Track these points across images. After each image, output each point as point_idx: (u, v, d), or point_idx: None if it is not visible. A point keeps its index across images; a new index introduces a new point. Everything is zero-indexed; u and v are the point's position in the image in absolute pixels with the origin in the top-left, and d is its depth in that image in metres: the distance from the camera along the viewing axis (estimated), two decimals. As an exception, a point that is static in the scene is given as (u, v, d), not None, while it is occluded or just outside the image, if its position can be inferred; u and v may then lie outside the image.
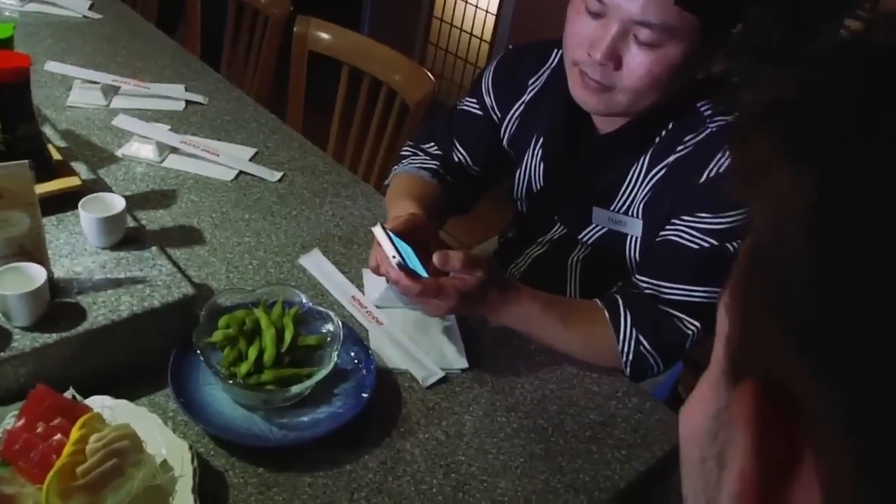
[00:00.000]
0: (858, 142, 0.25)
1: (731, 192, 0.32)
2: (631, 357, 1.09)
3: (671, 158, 1.11)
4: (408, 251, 1.00)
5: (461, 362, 1.07)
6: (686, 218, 1.07)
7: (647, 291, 1.10)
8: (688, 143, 1.10)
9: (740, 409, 0.30)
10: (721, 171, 1.05)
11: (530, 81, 1.26)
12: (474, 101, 1.31)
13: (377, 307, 1.13)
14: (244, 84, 1.98)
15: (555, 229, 1.30)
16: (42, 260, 0.88)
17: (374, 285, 1.16)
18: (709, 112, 1.09)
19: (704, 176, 1.06)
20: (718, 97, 1.10)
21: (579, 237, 1.25)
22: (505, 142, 1.30)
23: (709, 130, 1.08)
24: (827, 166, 0.25)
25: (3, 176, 0.81)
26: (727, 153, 1.04)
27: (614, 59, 1.01)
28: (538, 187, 1.28)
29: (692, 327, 1.07)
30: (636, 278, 1.13)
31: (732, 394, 0.31)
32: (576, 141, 1.21)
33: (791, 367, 0.27)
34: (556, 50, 1.22)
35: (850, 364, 0.25)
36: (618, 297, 1.11)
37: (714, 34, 1.00)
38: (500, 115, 1.29)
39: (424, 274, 0.99)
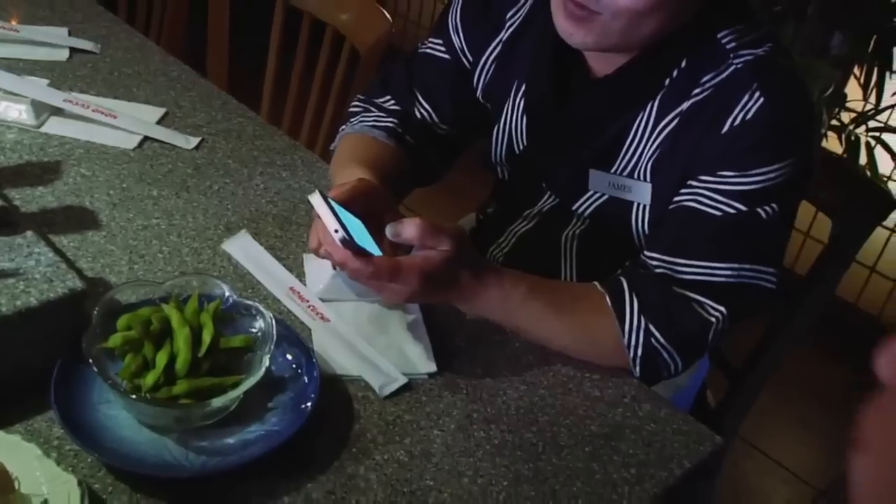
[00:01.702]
0: None
1: None
2: (640, 352, 1.11)
3: (686, 104, 1.13)
4: (356, 225, 1.01)
5: (428, 366, 1.10)
6: (706, 178, 1.09)
7: (658, 271, 1.13)
8: (706, 85, 1.11)
9: None
10: (749, 117, 1.07)
11: (508, 15, 1.29)
12: (439, 42, 1.34)
13: (322, 300, 1.16)
14: (149, 30, 2.03)
15: (544, 200, 1.34)
16: None
17: (318, 273, 1.18)
18: (732, 44, 1.10)
19: (727, 125, 1.08)
20: (746, 25, 1.12)
21: (574, 208, 1.28)
22: (479, 92, 1.33)
23: (733, 67, 1.09)
24: None
25: None
26: (756, 96, 1.07)
27: None
28: (521, 147, 1.31)
29: (716, 313, 1.09)
30: (645, 255, 1.15)
31: None
32: (565, 86, 1.23)
33: None
34: None
35: None
36: (622, 279, 1.13)
37: None
38: (471, 60, 1.32)
39: (377, 252, 1.00)
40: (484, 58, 1.31)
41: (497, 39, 1.30)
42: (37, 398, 0.92)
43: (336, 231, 0.97)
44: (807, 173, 1.13)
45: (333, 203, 1.00)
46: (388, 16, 1.71)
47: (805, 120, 1.13)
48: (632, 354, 1.11)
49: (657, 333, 1.10)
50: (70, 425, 0.89)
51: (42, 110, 1.38)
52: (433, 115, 1.33)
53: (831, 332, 2.34)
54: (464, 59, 1.32)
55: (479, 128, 1.36)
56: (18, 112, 1.35)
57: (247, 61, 1.93)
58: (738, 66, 1.09)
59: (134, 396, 0.90)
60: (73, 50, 1.59)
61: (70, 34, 1.62)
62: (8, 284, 0.94)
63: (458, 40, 1.31)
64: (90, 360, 0.90)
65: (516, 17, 1.29)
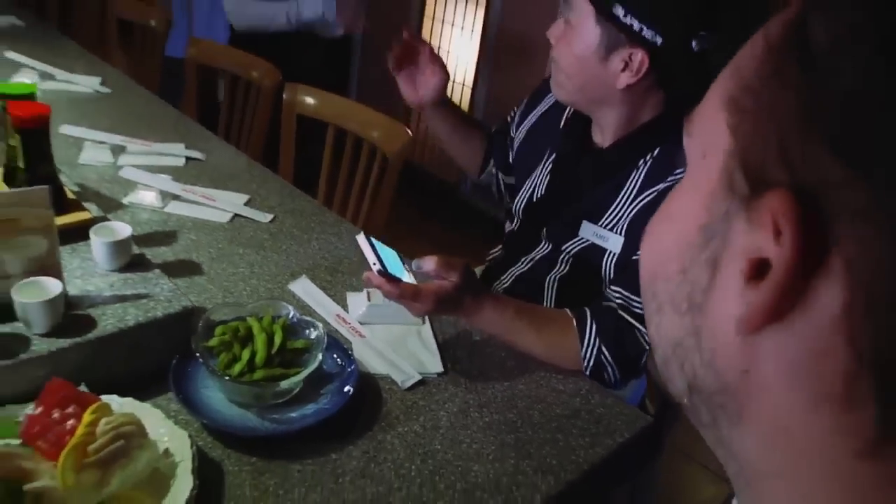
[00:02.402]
0: None
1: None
2: (591, 363, 1.14)
3: (662, 186, 1.15)
4: (390, 256, 1.08)
5: (437, 367, 1.13)
6: None
7: (617, 301, 1.15)
8: (678, 175, 1.14)
9: (772, 211, 0.31)
10: None
11: (547, 95, 1.38)
12: (511, 114, 1.48)
13: (360, 323, 1.20)
14: (239, 145, 2.09)
15: (539, 247, 1.35)
16: (58, 277, 0.97)
17: (358, 304, 1.24)
18: None
19: None
20: None
21: (562, 248, 1.29)
22: (513, 153, 1.44)
23: None
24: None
25: (25, 199, 0.91)
26: None
27: (553, 37, 1.19)
28: (538, 197, 1.35)
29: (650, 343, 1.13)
30: (610, 288, 1.18)
31: (752, 201, 0.32)
32: (578, 153, 1.30)
33: (829, 168, 0.30)
34: None
35: (887, 154, 0.28)
36: (587, 309, 1.16)
37: (611, 36, 1.10)
38: (515, 124, 1.43)
39: (405, 278, 1.06)
40: (521, 126, 1.41)
41: (534, 113, 1.39)
42: (161, 382, 0.98)
43: (374, 264, 1.04)
44: None
45: (374, 241, 1.08)
46: (408, 131, 1.77)
47: None
48: (585, 364, 1.14)
49: (606, 352, 1.13)
50: (183, 400, 0.96)
51: (166, 197, 1.45)
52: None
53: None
54: (510, 125, 1.46)
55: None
56: (151, 198, 1.43)
57: (307, 162, 1.99)
58: None
59: (227, 378, 0.96)
60: (187, 158, 1.66)
61: (186, 147, 1.69)
62: (142, 303, 1.02)
63: (514, 112, 1.46)
64: (197, 355, 0.97)
65: (550, 98, 1.36)
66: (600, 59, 1.12)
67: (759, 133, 0.33)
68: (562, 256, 1.30)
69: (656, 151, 1.19)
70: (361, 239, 1.09)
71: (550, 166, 1.34)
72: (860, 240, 0.29)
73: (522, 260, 1.38)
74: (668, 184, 1.15)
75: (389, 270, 1.05)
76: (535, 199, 1.35)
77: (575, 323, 1.15)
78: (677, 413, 1.55)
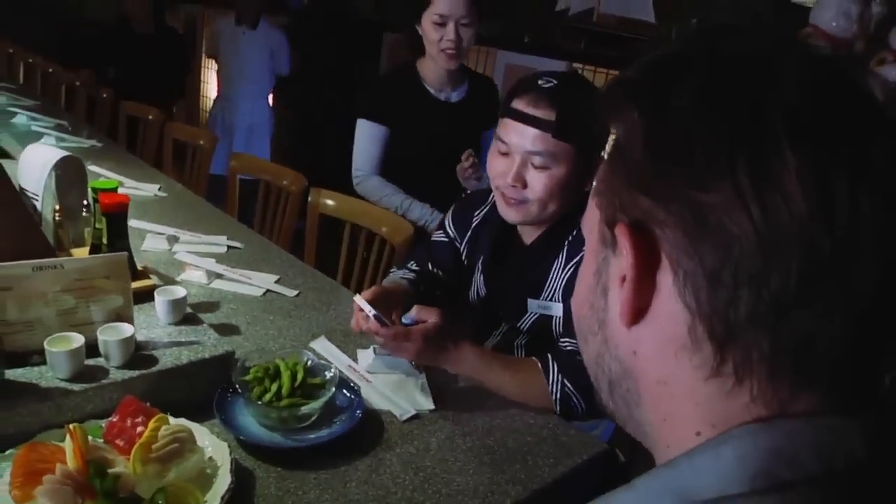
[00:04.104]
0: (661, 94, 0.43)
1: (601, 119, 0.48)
2: (559, 395, 1.26)
3: (578, 258, 1.35)
4: (380, 316, 1.25)
5: (429, 405, 1.29)
6: None
7: (569, 349, 1.30)
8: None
9: (622, 242, 0.43)
10: None
11: (475, 214, 1.58)
12: (441, 232, 1.64)
13: (368, 372, 1.37)
14: (272, 235, 2.34)
15: (502, 325, 1.52)
16: (131, 324, 1.18)
17: (366, 357, 1.42)
18: None
19: None
20: None
21: (518, 325, 1.47)
22: (464, 260, 1.60)
23: None
24: (647, 105, 0.43)
25: (111, 261, 1.14)
26: None
27: (521, 181, 1.32)
28: (483, 293, 1.54)
29: None
30: (560, 341, 1.33)
31: (611, 241, 0.45)
32: (507, 253, 1.49)
33: (644, 205, 0.42)
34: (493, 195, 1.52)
35: (673, 191, 0.41)
36: (548, 354, 1.31)
37: (588, 156, 1.30)
38: (458, 240, 1.60)
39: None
40: (463, 241, 1.58)
41: (468, 231, 1.57)
42: (206, 411, 1.14)
43: (371, 311, 1.22)
44: None
45: (366, 303, 1.26)
46: (410, 226, 1.97)
47: None
48: (553, 397, 1.26)
49: (568, 384, 1.25)
50: (223, 422, 1.12)
51: (211, 275, 1.66)
52: (439, 272, 1.59)
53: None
54: (455, 242, 1.60)
55: (464, 281, 1.59)
56: (199, 276, 1.63)
57: (327, 251, 2.20)
58: None
59: (259, 403, 1.14)
60: (228, 246, 1.88)
61: (227, 239, 1.91)
62: (193, 347, 1.21)
63: (451, 231, 1.60)
64: (236, 386, 1.15)
65: (479, 215, 1.57)
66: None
67: (609, 202, 0.46)
68: (520, 329, 1.47)
69: (572, 236, 1.38)
70: (358, 298, 1.26)
71: (481, 267, 1.52)
72: (669, 238, 0.41)
73: (493, 334, 1.54)
74: (582, 254, 1.34)
75: (381, 318, 1.22)
76: (481, 295, 1.54)
77: (540, 365, 1.29)
78: (647, 458, 1.69)
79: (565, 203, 1.35)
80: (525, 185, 1.33)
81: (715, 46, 0.44)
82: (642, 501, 0.42)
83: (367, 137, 2.13)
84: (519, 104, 1.31)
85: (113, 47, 3.93)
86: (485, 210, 1.57)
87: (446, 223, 1.64)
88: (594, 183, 0.50)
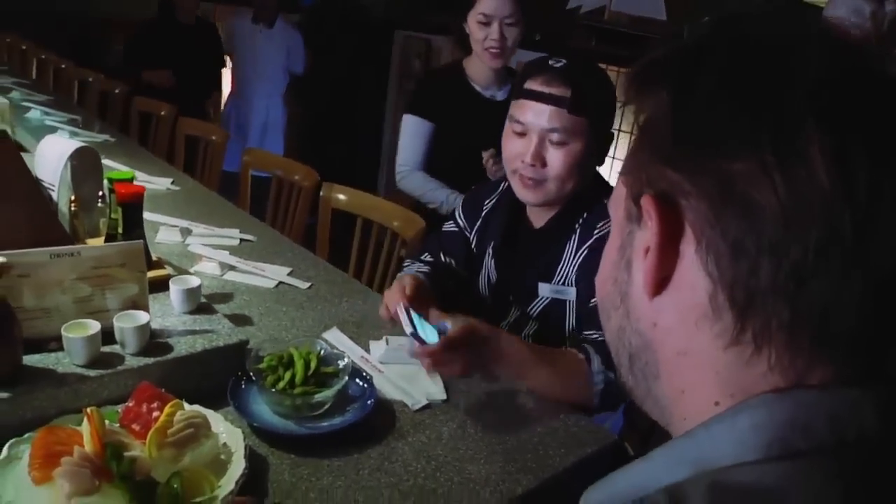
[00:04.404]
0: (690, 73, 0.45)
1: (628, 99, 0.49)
2: (602, 387, 1.25)
3: (591, 241, 1.38)
4: (422, 323, 1.22)
5: (441, 395, 1.29)
6: None
7: (596, 338, 1.29)
8: (601, 229, 1.37)
9: (647, 212, 0.44)
10: None
11: (485, 203, 1.58)
12: (452, 223, 1.64)
13: (381, 362, 1.38)
14: (284, 228, 2.34)
15: (511, 313, 1.52)
16: (146, 311, 1.19)
17: (378, 348, 1.42)
18: None
19: None
20: None
21: (528, 311, 1.46)
22: (474, 249, 1.60)
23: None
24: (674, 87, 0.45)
25: (127, 249, 1.15)
26: None
27: (539, 159, 1.35)
28: (494, 279, 1.55)
29: None
30: (584, 334, 1.32)
31: (637, 216, 0.47)
32: (516, 237, 1.49)
33: (670, 178, 0.44)
34: (504, 183, 1.56)
35: (700, 163, 0.42)
36: (586, 346, 1.29)
37: (601, 130, 1.35)
38: (469, 230, 1.61)
39: (435, 338, 1.16)
40: (474, 230, 1.59)
41: (479, 218, 1.58)
42: (221, 399, 1.14)
43: (406, 325, 1.19)
44: None
45: (411, 311, 1.22)
46: (422, 220, 1.98)
47: None
48: (596, 388, 1.24)
49: (610, 373, 1.23)
50: (238, 409, 1.13)
51: (224, 267, 1.67)
52: (452, 262, 1.60)
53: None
54: (465, 232, 1.60)
55: (474, 270, 1.60)
56: (212, 268, 1.64)
57: (339, 245, 2.20)
58: None
59: (274, 391, 1.14)
60: (242, 239, 1.88)
61: (240, 231, 1.92)
62: (208, 336, 1.22)
63: (461, 221, 1.61)
64: (251, 374, 1.16)
65: (489, 203, 1.57)
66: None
67: (636, 178, 0.48)
68: (530, 317, 1.47)
69: (583, 218, 1.40)
70: (401, 308, 1.23)
71: (492, 252, 1.54)
72: (694, 208, 0.43)
73: (501, 324, 1.53)
74: (594, 238, 1.37)
75: (420, 333, 1.18)
76: (491, 281, 1.55)
77: (582, 356, 1.27)
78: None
79: (579, 181, 1.37)
80: (544, 164, 1.36)
81: (740, 30, 0.45)
82: (659, 471, 0.43)
83: (412, 132, 2.13)
84: (533, 84, 1.35)
85: (157, 39, 3.87)
86: (495, 198, 1.58)
87: (457, 213, 1.64)
88: (623, 163, 0.52)
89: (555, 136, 1.34)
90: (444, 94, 2.13)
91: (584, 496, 0.50)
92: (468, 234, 1.61)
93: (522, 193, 1.41)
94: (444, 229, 1.66)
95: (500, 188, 1.58)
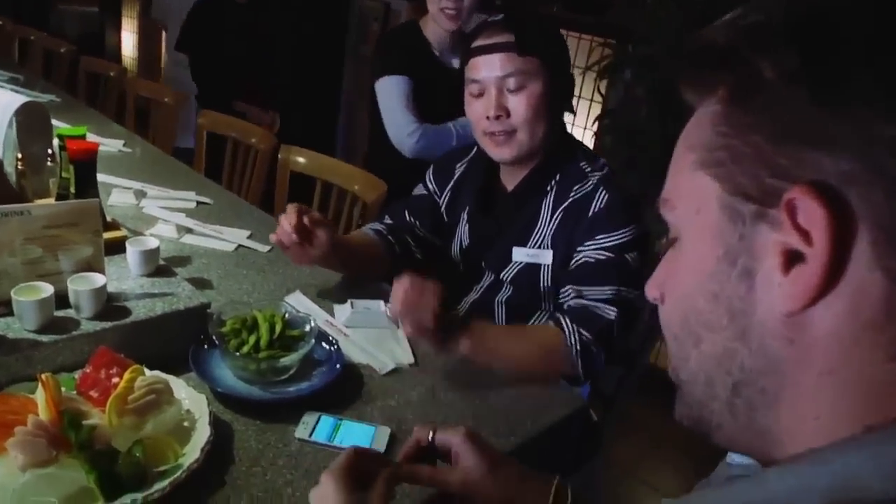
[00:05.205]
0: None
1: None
2: (578, 347, 1.22)
3: (566, 203, 1.34)
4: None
5: (409, 358, 1.26)
6: (588, 243, 1.30)
7: (572, 296, 1.28)
8: (578, 191, 1.34)
9: (803, 208, 0.36)
10: (603, 204, 1.30)
11: (457, 165, 1.54)
12: (421, 187, 1.60)
13: (346, 326, 1.34)
14: (240, 191, 2.26)
15: (484, 278, 1.48)
16: (102, 273, 1.12)
17: (343, 312, 1.38)
18: (588, 168, 1.36)
19: (591, 211, 1.31)
20: (591, 159, 1.38)
21: (501, 277, 1.42)
22: (444, 213, 1.55)
23: (590, 181, 1.34)
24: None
25: (80, 208, 1.08)
26: (603, 195, 1.31)
27: (502, 109, 1.31)
28: (467, 244, 1.51)
29: (611, 312, 1.24)
30: (560, 292, 1.31)
31: (753, 214, 0.38)
32: (490, 201, 1.46)
33: (820, 162, 0.35)
34: (475, 148, 1.50)
35: (863, 137, 0.35)
36: (556, 313, 1.28)
37: (557, 68, 1.32)
38: (439, 195, 1.56)
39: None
40: (444, 194, 1.54)
41: (451, 182, 1.54)
42: (182, 364, 1.10)
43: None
44: (646, 234, 1.31)
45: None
46: (383, 183, 1.93)
47: (634, 205, 1.32)
48: (573, 351, 1.21)
49: (584, 332, 1.22)
50: (200, 374, 1.08)
51: (181, 230, 1.61)
52: (417, 223, 1.55)
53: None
54: (434, 196, 1.56)
55: (443, 235, 1.56)
56: (169, 230, 1.58)
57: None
58: (593, 180, 1.33)
59: (238, 355, 1.09)
60: (198, 202, 1.82)
61: (196, 194, 1.86)
62: (167, 299, 1.16)
63: (431, 185, 1.56)
64: (213, 338, 1.10)
65: (461, 165, 1.53)
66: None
67: (744, 168, 0.39)
68: (503, 281, 1.44)
69: (556, 179, 1.37)
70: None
71: (466, 217, 1.50)
72: (863, 193, 0.35)
73: (474, 289, 1.51)
74: (570, 200, 1.34)
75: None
76: (464, 246, 1.51)
77: (552, 324, 1.25)
78: (615, 417, 1.70)
79: (549, 128, 1.34)
80: (508, 114, 1.32)
81: None
82: (779, 496, 0.37)
83: (397, 94, 1.99)
84: (479, 41, 1.33)
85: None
86: (466, 163, 1.54)
87: (427, 178, 1.59)
88: (685, 157, 0.44)
89: (511, 82, 1.31)
90: (407, 54, 2.04)
91: None
92: (437, 199, 1.57)
93: (495, 152, 1.37)
94: (413, 192, 1.61)
95: (472, 153, 1.54)
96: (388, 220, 1.58)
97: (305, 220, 1.33)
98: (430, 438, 0.80)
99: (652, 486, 2.31)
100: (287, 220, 1.32)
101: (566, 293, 1.31)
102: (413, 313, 1.11)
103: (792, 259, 0.37)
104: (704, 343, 0.43)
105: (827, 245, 0.36)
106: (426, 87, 2.02)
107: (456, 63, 2.00)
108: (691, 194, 0.43)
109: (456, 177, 1.55)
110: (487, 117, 1.33)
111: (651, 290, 0.49)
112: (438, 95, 1.99)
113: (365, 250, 1.49)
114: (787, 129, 0.37)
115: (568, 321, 1.24)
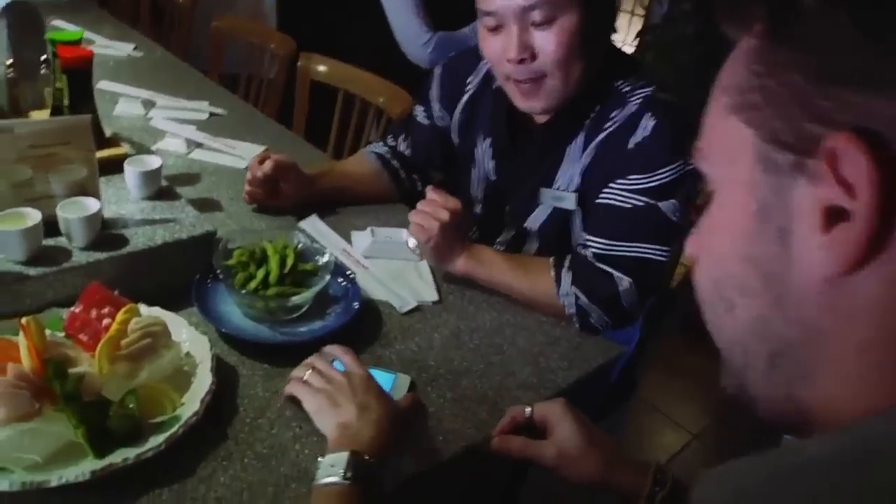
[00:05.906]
0: None
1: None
2: (573, 311, 1.12)
3: (602, 135, 1.13)
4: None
5: (432, 296, 1.16)
6: (620, 181, 1.09)
7: (592, 250, 1.11)
8: (614, 120, 1.12)
9: (849, 159, 0.32)
10: (646, 135, 1.07)
11: (468, 80, 1.32)
12: (422, 108, 1.38)
13: (365, 257, 1.24)
14: (258, 103, 2.12)
15: (505, 230, 1.32)
16: (97, 198, 1.01)
17: (362, 240, 1.27)
18: (627, 89, 1.12)
19: (631, 143, 1.08)
20: (635, 76, 1.13)
21: (525, 225, 1.26)
22: (457, 141, 1.35)
23: (630, 104, 1.10)
24: None
25: (71, 124, 0.95)
26: (649, 121, 1.08)
27: (527, 50, 1.06)
28: (492, 181, 1.31)
29: (624, 281, 1.09)
30: (584, 240, 1.14)
31: (791, 165, 0.35)
32: (518, 135, 1.25)
33: (870, 105, 0.32)
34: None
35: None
36: (568, 256, 1.15)
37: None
38: (447, 119, 1.35)
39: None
40: (455, 116, 1.33)
41: (462, 101, 1.31)
42: (184, 298, 1.01)
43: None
44: (692, 175, 1.07)
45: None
46: (409, 95, 1.76)
47: (686, 134, 1.05)
48: (567, 311, 1.12)
49: (583, 297, 1.10)
50: (203, 312, 0.99)
51: (191, 144, 1.50)
52: (413, 152, 1.40)
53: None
54: (440, 121, 1.35)
55: (446, 166, 1.40)
56: (177, 145, 1.47)
57: (320, 129, 1.98)
58: (634, 103, 1.09)
59: (244, 292, 1.00)
60: (210, 113, 1.70)
61: (209, 104, 1.73)
62: (169, 226, 1.06)
63: (436, 106, 1.35)
64: (218, 272, 1.00)
65: (473, 81, 1.30)
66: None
67: (781, 111, 0.35)
68: (529, 233, 1.27)
69: (594, 112, 1.15)
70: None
71: (490, 151, 1.28)
72: None
73: (497, 242, 1.34)
74: (606, 132, 1.13)
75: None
76: (490, 183, 1.31)
77: (552, 270, 1.14)
78: (649, 361, 1.60)
79: (591, 64, 1.10)
80: (534, 56, 1.07)
81: None
82: (818, 468, 0.32)
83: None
84: None
85: None
86: (478, 78, 1.32)
87: (429, 97, 1.37)
88: (719, 99, 0.39)
89: (536, 15, 1.04)
90: None
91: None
92: (442, 121, 1.37)
93: (523, 104, 1.13)
94: (413, 113, 1.42)
95: (483, 66, 1.31)
96: (390, 141, 1.42)
97: (262, 171, 1.26)
98: (527, 415, 0.82)
99: (674, 420, 2.26)
100: (250, 174, 1.27)
101: (589, 241, 1.13)
102: (424, 219, 1.08)
103: (833, 216, 0.33)
104: (737, 308, 0.39)
105: (873, 200, 0.31)
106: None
107: None
108: (724, 142, 0.39)
109: (468, 94, 1.32)
110: (508, 59, 1.08)
111: (690, 247, 0.44)
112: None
113: (359, 186, 1.38)
114: (828, 66, 0.33)
115: (569, 281, 1.11)
